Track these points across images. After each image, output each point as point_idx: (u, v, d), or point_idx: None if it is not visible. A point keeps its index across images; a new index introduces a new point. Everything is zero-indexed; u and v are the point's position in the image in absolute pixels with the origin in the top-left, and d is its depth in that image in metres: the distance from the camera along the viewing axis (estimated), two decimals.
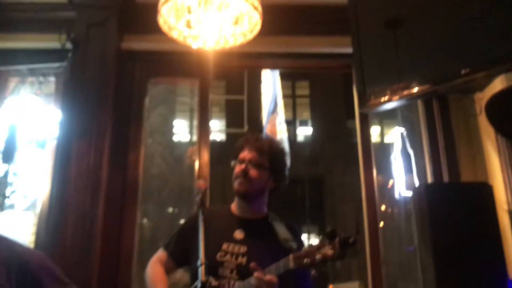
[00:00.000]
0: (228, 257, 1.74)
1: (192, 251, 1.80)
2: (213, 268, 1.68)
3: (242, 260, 1.73)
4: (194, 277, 1.67)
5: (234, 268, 1.71)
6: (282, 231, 1.78)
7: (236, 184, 1.84)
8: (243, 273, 1.65)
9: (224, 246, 1.77)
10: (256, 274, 1.54)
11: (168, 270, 1.89)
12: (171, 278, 1.89)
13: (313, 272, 1.52)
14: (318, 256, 1.44)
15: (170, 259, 1.89)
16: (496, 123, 0.99)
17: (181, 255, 1.88)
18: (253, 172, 1.82)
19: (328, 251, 1.43)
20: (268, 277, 1.53)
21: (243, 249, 1.76)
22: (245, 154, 1.84)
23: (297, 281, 1.71)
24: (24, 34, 3.01)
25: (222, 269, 1.72)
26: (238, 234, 1.82)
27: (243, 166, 1.82)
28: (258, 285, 1.53)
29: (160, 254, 1.92)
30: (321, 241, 1.46)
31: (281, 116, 6.18)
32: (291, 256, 1.51)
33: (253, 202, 1.88)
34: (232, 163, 1.88)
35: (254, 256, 1.70)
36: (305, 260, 1.46)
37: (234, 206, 1.93)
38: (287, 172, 1.96)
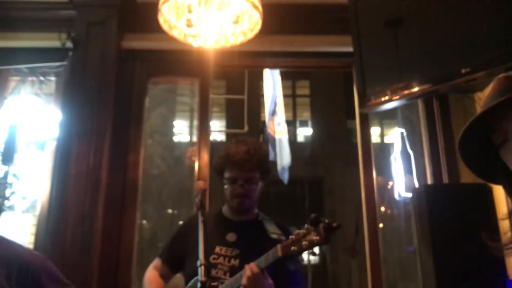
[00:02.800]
0: (221, 259, 1.78)
1: (185, 256, 1.83)
2: (206, 269, 1.70)
3: (235, 262, 1.76)
4: (188, 280, 1.75)
5: (228, 270, 1.75)
6: (271, 227, 1.82)
7: (235, 203, 1.86)
8: (236, 274, 1.67)
9: (217, 249, 1.81)
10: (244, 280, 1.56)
11: (164, 276, 1.94)
12: (170, 284, 1.92)
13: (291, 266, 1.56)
14: (304, 243, 1.48)
15: (165, 266, 1.94)
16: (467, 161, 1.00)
17: (174, 261, 1.93)
18: (252, 190, 1.85)
19: (314, 237, 1.47)
20: (249, 271, 1.56)
21: (236, 251, 1.79)
22: (237, 174, 1.82)
23: (287, 272, 1.75)
24: (24, 33, 3.01)
25: (216, 271, 1.75)
26: (230, 237, 1.85)
27: (240, 188, 1.82)
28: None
29: (155, 262, 1.98)
30: (306, 228, 1.50)
31: (280, 117, 6.20)
32: (279, 246, 1.54)
33: (251, 209, 1.93)
34: (225, 186, 1.87)
35: (247, 258, 1.71)
36: (292, 248, 1.50)
37: (225, 210, 1.96)
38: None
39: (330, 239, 1.46)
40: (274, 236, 1.73)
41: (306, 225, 1.50)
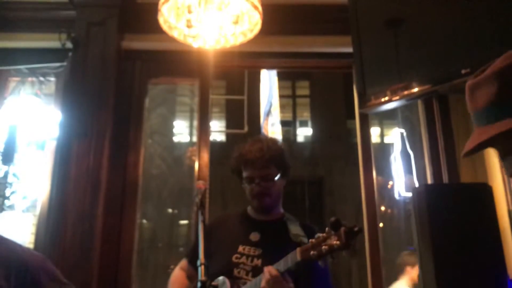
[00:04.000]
0: (243, 259, 1.76)
1: (209, 256, 1.82)
2: (228, 269, 1.71)
3: (258, 262, 1.74)
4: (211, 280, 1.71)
5: (250, 270, 1.72)
6: (294, 228, 1.78)
7: (255, 203, 1.85)
8: (259, 275, 1.64)
9: (240, 248, 1.79)
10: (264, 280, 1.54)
11: (190, 277, 1.93)
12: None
13: (320, 263, 1.51)
14: (324, 248, 1.43)
15: (190, 266, 1.93)
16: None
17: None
18: (269, 187, 1.83)
19: (334, 242, 1.42)
20: (267, 274, 1.53)
21: (258, 251, 1.77)
22: (252, 173, 1.82)
23: (313, 280, 1.71)
24: (24, 34, 3.01)
25: (238, 270, 1.73)
26: (254, 236, 1.83)
27: (257, 187, 1.81)
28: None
29: (182, 262, 1.98)
30: (327, 232, 1.45)
31: (275, 117, 6.21)
32: (298, 249, 1.50)
33: (273, 208, 1.90)
34: (243, 185, 1.87)
35: (269, 257, 1.69)
36: (312, 253, 1.46)
37: (250, 210, 1.95)
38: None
39: (351, 244, 1.40)
40: (295, 238, 1.70)
41: (326, 229, 1.45)
